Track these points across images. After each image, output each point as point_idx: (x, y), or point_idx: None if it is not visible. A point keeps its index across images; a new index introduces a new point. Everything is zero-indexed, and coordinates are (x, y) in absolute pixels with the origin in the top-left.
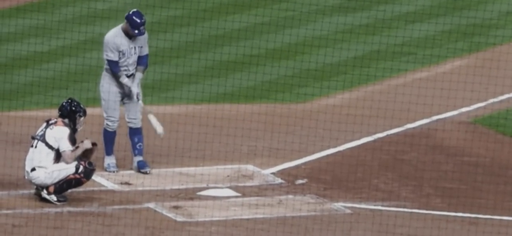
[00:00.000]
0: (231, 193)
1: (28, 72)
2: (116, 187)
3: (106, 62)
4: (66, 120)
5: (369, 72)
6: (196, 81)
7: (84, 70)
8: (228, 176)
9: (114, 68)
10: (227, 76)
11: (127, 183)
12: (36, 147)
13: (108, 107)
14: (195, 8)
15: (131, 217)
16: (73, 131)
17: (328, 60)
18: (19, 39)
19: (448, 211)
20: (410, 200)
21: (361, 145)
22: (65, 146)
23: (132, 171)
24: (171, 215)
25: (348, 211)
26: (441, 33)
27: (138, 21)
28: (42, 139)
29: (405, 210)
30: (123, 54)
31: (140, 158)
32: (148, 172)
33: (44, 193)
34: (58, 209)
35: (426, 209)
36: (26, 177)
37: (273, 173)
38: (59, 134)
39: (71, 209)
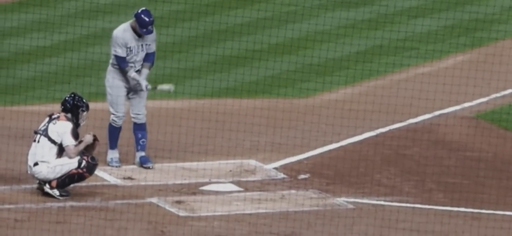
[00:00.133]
0: (234, 188)
1: (31, 66)
2: (119, 181)
3: (112, 57)
4: (69, 115)
5: (372, 67)
6: (198, 76)
7: (86, 64)
8: (230, 171)
9: (122, 64)
10: (230, 71)
11: (129, 178)
12: (38, 141)
13: (114, 102)
14: (198, 2)
15: (133, 212)
16: (76, 125)
17: (330, 55)
18: (22, 33)
19: (451, 206)
20: (412, 195)
21: (363, 140)
22: (68, 141)
23: (135, 166)
24: (173, 210)
25: (351, 206)
26: (443, 28)
27: (147, 20)
28: (45, 133)
29: (408, 205)
30: (131, 50)
31: (142, 153)
32: (150, 167)
33: (46, 188)
34: (61, 204)
35: (429, 204)
36: (28, 172)
37: (275, 168)
38: (62, 129)
39: (74, 203)
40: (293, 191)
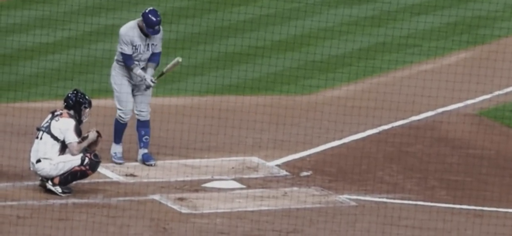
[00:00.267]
0: (236, 185)
1: (33, 63)
2: (121, 178)
3: (117, 53)
4: (71, 112)
5: (374, 64)
6: (201, 72)
7: (89, 61)
8: (233, 168)
9: (127, 62)
10: (232, 68)
11: (132, 175)
12: (41, 138)
13: (121, 99)
14: None
15: (136, 208)
16: (78, 122)
17: (333, 52)
18: (25, 30)
19: (453, 203)
20: (415, 192)
21: (366, 137)
22: (71, 138)
23: (137, 163)
24: (176, 207)
25: (353, 203)
26: (446, 25)
27: (154, 19)
28: (47, 130)
29: (410, 202)
30: (136, 49)
31: (145, 150)
32: (153, 164)
33: (49, 185)
34: (63, 201)
35: (431, 202)
36: (31, 169)
37: (278, 165)
38: (64, 125)
39: (76, 200)
40: (295, 188)
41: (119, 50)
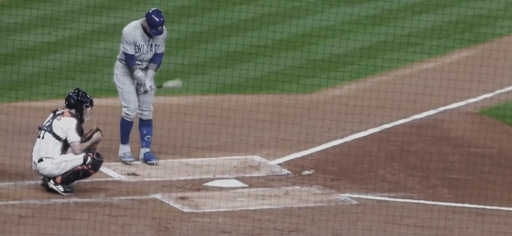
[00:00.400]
0: (238, 184)
1: (35, 62)
2: (123, 178)
3: (120, 52)
4: (73, 111)
5: (376, 62)
6: (203, 71)
7: (91, 60)
8: (234, 167)
9: (129, 62)
10: (234, 67)
11: (133, 174)
12: (43, 137)
13: (125, 97)
14: None
15: (137, 208)
16: (80, 121)
17: (335, 51)
18: (26, 29)
19: (455, 202)
20: (416, 191)
21: (367, 136)
22: (74, 137)
23: (139, 162)
24: (177, 206)
25: (355, 202)
26: (447, 24)
27: (157, 20)
28: (49, 129)
29: (412, 201)
30: (139, 49)
31: (147, 149)
32: (154, 163)
33: (51, 184)
34: (65, 200)
35: (433, 200)
36: (33, 168)
37: (279, 164)
38: (66, 125)
39: (78, 199)
40: (297, 187)
41: (122, 49)
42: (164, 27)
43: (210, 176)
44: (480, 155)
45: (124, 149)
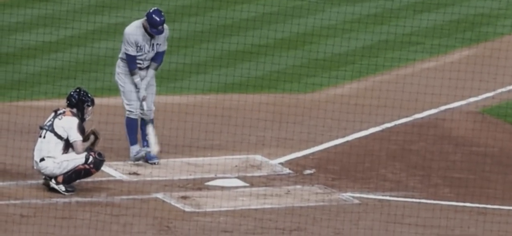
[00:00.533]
0: (239, 183)
1: (37, 62)
2: (124, 177)
3: (122, 51)
4: (74, 110)
5: (378, 62)
6: (204, 71)
7: (92, 60)
8: (236, 166)
9: (130, 63)
10: (236, 66)
11: (135, 173)
12: (44, 137)
13: (127, 95)
14: None
15: (139, 207)
16: (81, 120)
17: (336, 50)
18: (28, 29)
19: (457, 201)
20: (418, 190)
21: (369, 135)
22: (76, 136)
23: (141, 162)
24: (179, 205)
25: (356, 201)
26: (449, 23)
27: (158, 20)
28: (51, 129)
29: (413, 200)
30: (141, 49)
31: (149, 149)
32: (156, 163)
33: (52, 183)
34: (66, 199)
35: (434, 199)
36: (34, 167)
37: (281, 163)
38: (68, 124)
39: (79, 199)
40: (298, 186)
41: (123, 50)
42: (165, 26)
43: (212, 175)
44: (481, 154)
45: (135, 149)
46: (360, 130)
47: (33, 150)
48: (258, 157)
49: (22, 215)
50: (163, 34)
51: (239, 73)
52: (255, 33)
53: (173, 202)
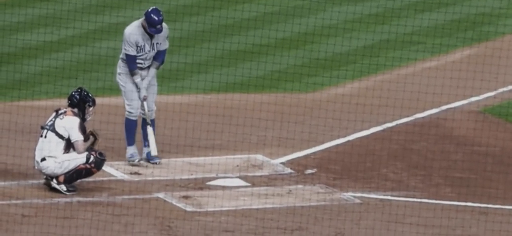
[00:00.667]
0: (241, 183)
1: (38, 61)
2: (126, 177)
3: (122, 52)
4: (76, 110)
5: (379, 61)
6: (205, 70)
7: (93, 59)
8: (237, 166)
9: (130, 64)
10: (237, 66)
11: (136, 173)
12: (45, 137)
13: (127, 96)
14: None
15: (140, 207)
16: (82, 120)
17: (337, 50)
18: (29, 28)
19: (458, 201)
20: (419, 189)
21: (370, 134)
22: (77, 136)
23: (142, 161)
24: (180, 205)
25: (358, 200)
26: (450, 22)
27: (156, 19)
28: (52, 128)
29: (415, 200)
30: (141, 49)
31: (150, 149)
32: (157, 163)
33: (53, 183)
34: (68, 199)
35: (436, 199)
36: (36, 167)
37: (282, 163)
38: (69, 124)
39: (81, 199)
40: (300, 186)
41: (124, 51)
42: (164, 24)
43: (213, 175)
44: (483, 153)
45: (131, 150)
46: (362, 129)
47: (34, 150)
48: (260, 157)
49: (24, 215)
50: (163, 33)
51: (240, 72)
52: (256, 32)
53: (174, 202)
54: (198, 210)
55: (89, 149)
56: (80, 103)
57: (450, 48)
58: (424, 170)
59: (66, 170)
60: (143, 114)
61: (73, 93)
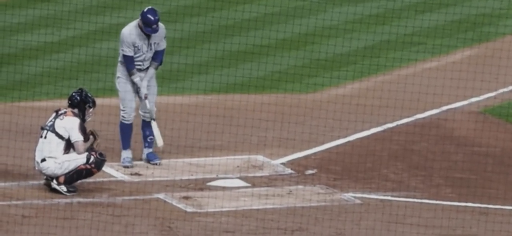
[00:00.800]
0: (241, 183)
1: (38, 62)
2: (126, 177)
3: (121, 55)
4: (76, 110)
5: (379, 62)
6: (206, 71)
7: (94, 60)
8: (238, 166)
9: (128, 64)
10: (237, 66)
11: (137, 174)
12: (45, 137)
13: (122, 98)
14: None
15: (141, 207)
16: (82, 121)
17: (338, 50)
18: (29, 29)
19: (458, 201)
20: (420, 190)
21: (371, 135)
22: (77, 137)
23: (142, 162)
24: (181, 205)
25: (358, 201)
26: (450, 23)
27: (152, 19)
28: (52, 129)
29: (415, 200)
30: (138, 49)
31: (150, 150)
32: (157, 164)
33: (54, 184)
34: (68, 200)
35: (436, 199)
36: (36, 168)
37: (283, 164)
38: (69, 124)
39: (81, 199)
40: (300, 187)
41: (120, 52)
42: (161, 24)
43: (213, 175)
44: (483, 154)
45: (125, 154)
46: (362, 130)
47: (34, 150)
48: (260, 157)
49: (24, 215)
50: (160, 33)
51: (241, 73)
52: (257, 33)
53: (174, 203)
54: (199, 210)
55: (89, 150)
56: (81, 104)
57: (450, 48)
58: (424, 171)
59: (66, 171)
60: (143, 114)
61: (74, 94)
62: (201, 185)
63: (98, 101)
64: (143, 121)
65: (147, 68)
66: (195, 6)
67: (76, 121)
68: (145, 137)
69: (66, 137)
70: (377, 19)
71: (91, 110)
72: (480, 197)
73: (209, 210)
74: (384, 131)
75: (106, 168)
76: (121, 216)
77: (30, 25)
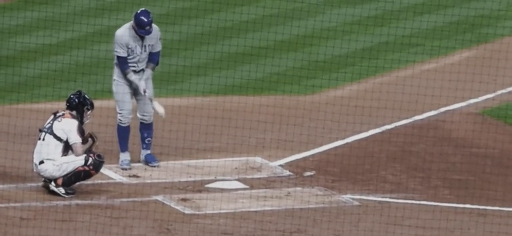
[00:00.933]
0: (239, 185)
1: (37, 64)
2: (124, 179)
3: (115, 57)
4: (74, 113)
5: (377, 63)
6: (204, 73)
7: (92, 62)
8: (236, 168)
9: (122, 65)
10: (235, 68)
11: (135, 176)
12: (43, 139)
13: (119, 101)
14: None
15: (139, 209)
16: (81, 123)
17: (336, 52)
18: (28, 31)
19: (457, 202)
20: (418, 191)
21: (369, 137)
22: (75, 138)
23: (140, 164)
24: (179, 207)
25: (356, 203)
26: (449, 24)
27: (145, 20)
28: (50, 131)
29: (413, 202)
30: (132, 51)
31: (148, 152)
32: (156, 166)
33: (52, 186)
34: (66, 202)
35: (435, 201)
36: (34, 170)
37: (281, 165)
38: (67, 126)
39: (79, 201)
40: (298, 188)
41: (115, 53)
42: (155, 26)
43: (212, 177)
44: (481, 155)
45: (123, 157)
46: (360, 132)
47: (33, 152)
48: (258, 159)
49: (22, 218)
50: (154, 35)
51: (239, 75)
52: (255, 35)
53: (173, 205)
54: (197, 212)
55: (88, 152)
56: (79, 106)
57: (449, 50)
58: (423, 172)
59: (65, 173)
60: (141, 116)
61: (72, 96)
62: (199, 187)
63: (96, 103)
64: (141, 123)
65: (142, 70)
66: (193, 8)
67: (74, 123)
68: (143, 139)
69: (64, 139)
70: (375, 21)
71: (89, 112)
72: (479, 199)
73: (208, 212)
74: (382, 132)
75: (104, 170)
76: (119, 218)
77: (28, 27)
